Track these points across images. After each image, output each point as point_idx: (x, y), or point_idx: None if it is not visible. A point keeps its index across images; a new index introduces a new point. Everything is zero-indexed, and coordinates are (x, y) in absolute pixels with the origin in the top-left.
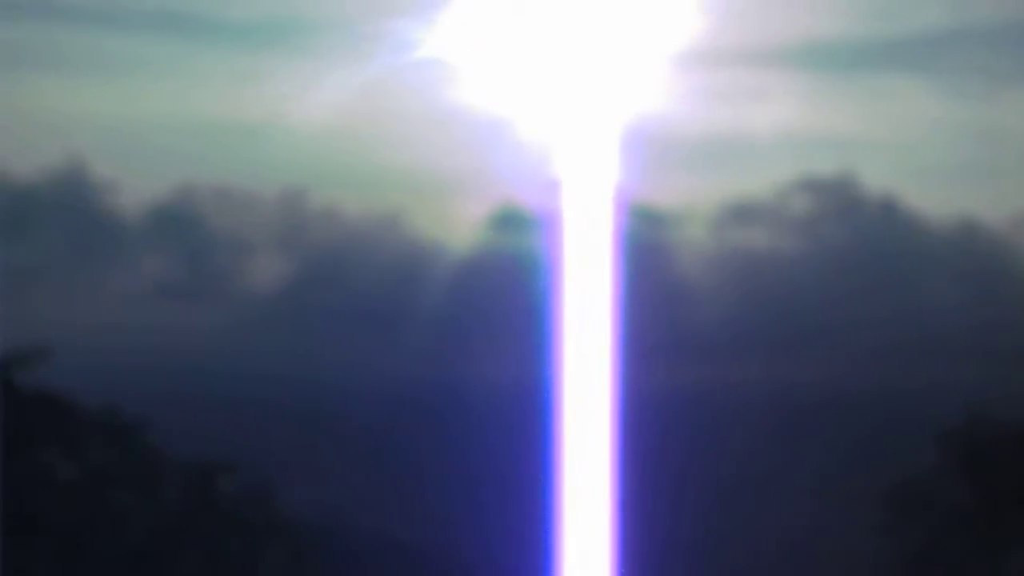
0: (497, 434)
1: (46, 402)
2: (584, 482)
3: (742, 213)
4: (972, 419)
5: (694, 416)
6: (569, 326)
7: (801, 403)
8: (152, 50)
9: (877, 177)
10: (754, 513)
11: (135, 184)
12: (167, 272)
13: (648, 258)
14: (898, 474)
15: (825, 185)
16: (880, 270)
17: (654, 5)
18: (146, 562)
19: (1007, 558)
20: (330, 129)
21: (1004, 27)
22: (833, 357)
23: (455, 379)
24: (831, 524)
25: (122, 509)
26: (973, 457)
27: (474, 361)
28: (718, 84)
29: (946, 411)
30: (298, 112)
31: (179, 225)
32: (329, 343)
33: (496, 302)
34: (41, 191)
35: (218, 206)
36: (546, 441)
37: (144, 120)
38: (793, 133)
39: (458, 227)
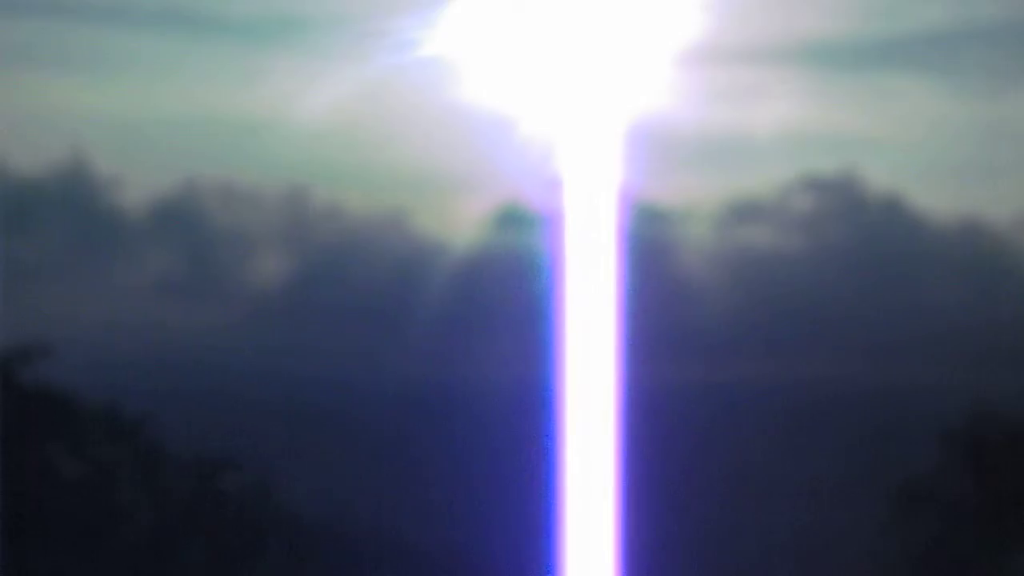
0: (500, 432)
1: (48, 398)
2: (587, 479)
3: (745, 211)
4: (977, 417)
5: (697, 414)
6: (572, 324)
7: (804, 401)
8: (156, 47)
9: (881, 176)
10: (757, 511)
11: (138, 181)
12: (170, 269)
13: (651, 256)
14: (902, 472)
15: (828, 183)
16: (883, 268)
17: (657, 3)
18: (148, 558)
19: (1012, 556)
20: (333, 127)
21: (1009, 25)
22: (836, 355)
23: (458, 377)
24: (834, 522)
25: (124, 505)
26: (978, 456)
27: (477, 358)
28: (721, 82)
29: (951, 409)
30: (302, 110)
31: (182, 222)
32: (332, 340)
33: (499, 300)
34: (44, 187)
35: (221, 203)
36: (549, 439)
37: (147, 117)
38: (796, 131)
39: (461, 225)
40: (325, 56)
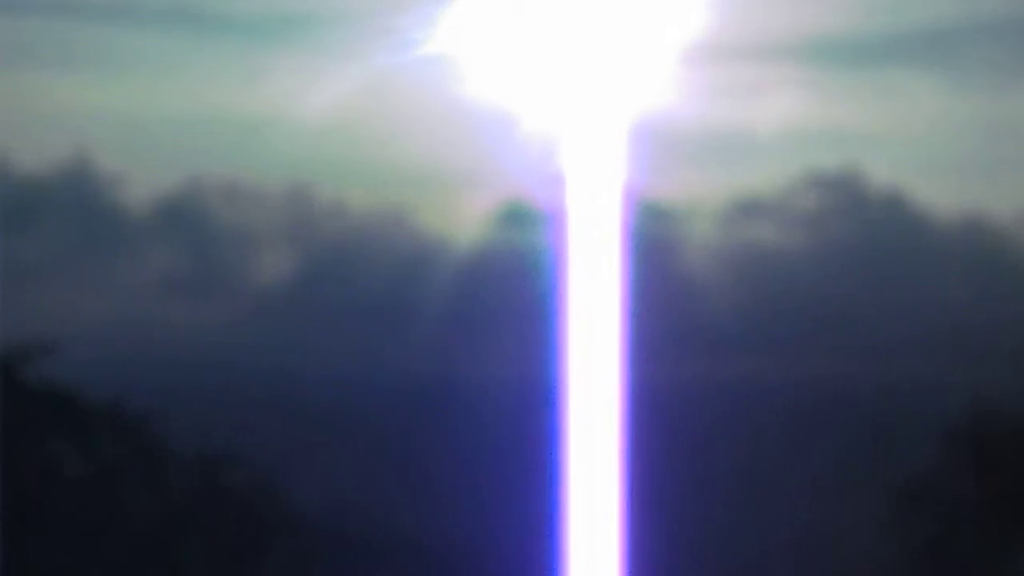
0: (504, 429)
1: (51, 395)
2: (591, 476)
3: (748, 208)
4: (980, 415)
5: (700, 411)
6: (576, 321)
7: (806, 398)
8: (159, 45)
9: (884, 172)
10: (759, 508)
11: (142, 179)
12: (173, 266)
13: (654, 253)
14: (904, 470)
15: (831, 180)
16: (886, 265)
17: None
18: (152, 555)
19: (1014, 556)
20: (337, 124)
21: (1011, 21)
22: (838, 352)
23: (462, 374)
24: (836, 520)
25: (127, 503)
26: (981, 454)
27: (481, 355)
28: (724, 79)
29: (953, 407)
30: (305, 107)
31: (185, 219)
32: (335, 337)
33: (503, 297)
34: (48, 185)
35: (225, 201)
36: (553, 435)
37: (151, 115)
38: (799, 128)
39: (465, 222)
40: (328, 54)
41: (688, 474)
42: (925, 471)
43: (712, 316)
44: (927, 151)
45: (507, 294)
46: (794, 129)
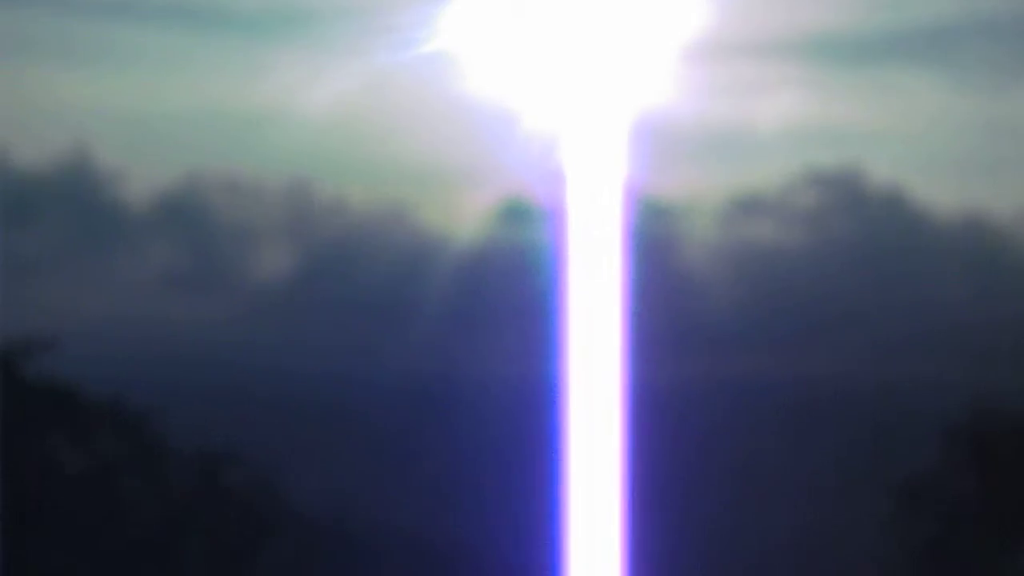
0: (504, 427)
1: (51, 391)
2: (592, 473)
3: (748, 206)
4: (979, 413)
5: (700, 408)
6: (576, 318)
7: (807, 397)
8: (160, 41)
9: (883, 170)
10: (760, 506)
11: (143, 174)
12: (173, 262)
13: (654, 251)
14: (905, 468)
15: (831, 178)
16: (886, 263)
17: None
18: (151, 553)
19: (1014, 554)
20: (337, 120)
21: (1011, 20)
22: (839, 351)
23: (462, 371)
24: (837, 518)
25: (128, 499)
26: (981, 452)
27: (481, 353)
28: (725, 77)
29: (953, 405)
30: (306, 103)
31: (186, 215)
32: (335, 334)
33: (503, 294)
34: (49, 180)
35: (225, 197)
36: (553, 433)
37: (152, 110)
38: (799, 126)
39: (465, 219)
40: (330, 50)
41: (688, 471)
42: (925, 469)
43: (712, 314)
44: (927, 149)
45: (507, 291)
46: (794, 127)
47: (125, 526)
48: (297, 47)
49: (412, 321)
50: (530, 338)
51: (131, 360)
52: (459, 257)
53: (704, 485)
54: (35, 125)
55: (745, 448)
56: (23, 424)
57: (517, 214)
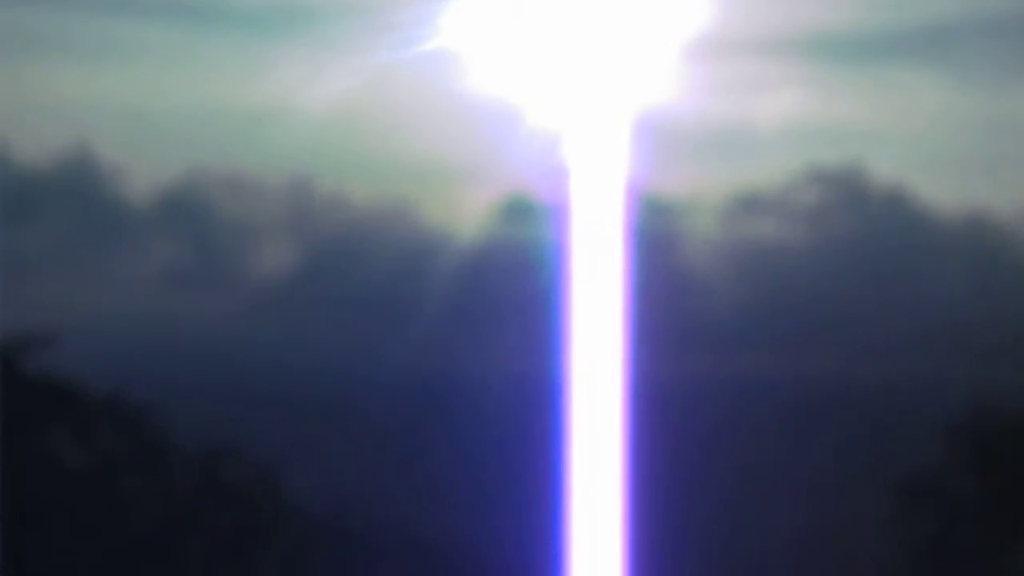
0: (505, 424)
1: (52, 387)
2: (593, 470)
3: (750, 204)
4: (980, 412)
5: (701, 406)
6: (578, 315)
7: (807, 395)
8: (161, 36)
9: (885, 168)
10: (760, 504)
11: (143, 170)
12: (173, 258)
13: (655, 248)
14: (906, 467)
15: (833, 176)
16: (888, 261)
17: None
18: (152, 548)
19: (1015, 553)
20: (339, 117)
21: (1014, 18)
22: (840, 348)
23: (463, 368)
24: (837, 516)
25: (128, 495)
26: (982, 451)
27: (483, 350)
28: (726, 75)
29: (955, 404)
30: (307, 100)
31: (186, 212)
32: (337, 331)
33: (505, 292)
34: (49, 176)
35: (226, 193)
36: (555, 431)
37: (152, 106)
38: (801, 124)
39: (467, 216)
40: (331, 47)
41: (689, 469)
42: (926, 468)
43: (713, 311)
44: (928, 147)
45: (509, 288)
46: (795, 125)
47: (125, 522)
48: (299, 44)
49: (413, 317)
50: (532, 335)
51: (132, 356)
52: (461, 254)
53: (705, 482)
54: (35, 121)
55: (746, 445)
56: (23, 420)
57: (519, 211)
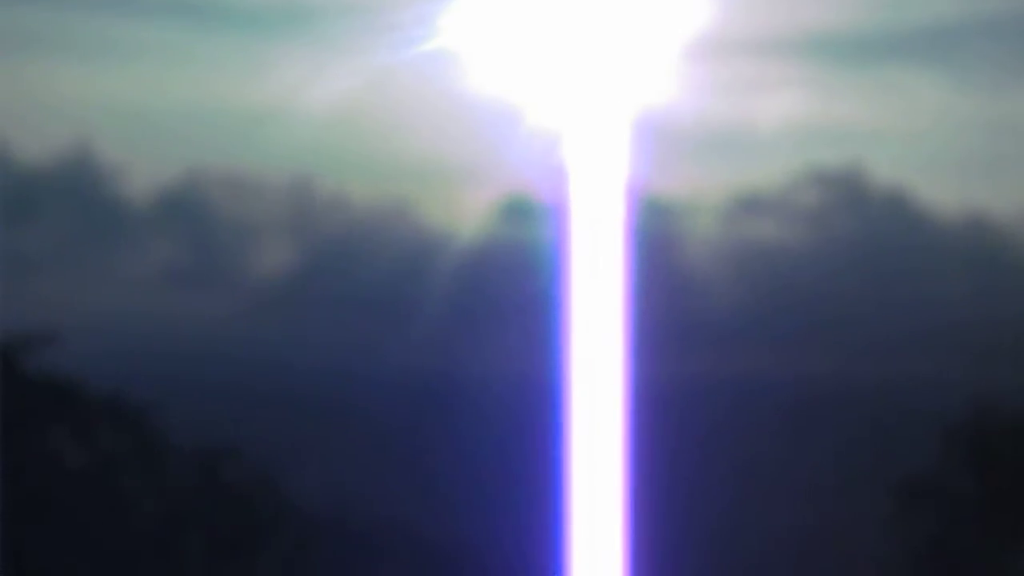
0: (505, 424)
1: (51, 386)
2: (593, 470)
3: (750, 204)
4: (980, 412)
5: (701, 407)
6: (578, 316)
7: (807, 395)
8: (162, 36)
9: (885, 169)
10: (759, 504)
11: (144, 170)
12: (174, 257)
13: (655, 248)
14: (905, 467)
15: (833, 177)
16: (888, 262)
17: None
18: (151, 547)
19: (1015, 554)
20: (339, 117)
21: (1013, 19)
22: (840, 349)
23: (463, 369)
24: (837, 516)
25: (128, 494)
26: (981, 451)
27: (482, 350)
28: (726, 75)
29: (955, 404)
30: (308, 99)
31: (187, 211)
32: (337, 331)
33: (505, 292)
34: (49, 175)
35: (226, 192)
36: (555, 431)
37: (153, 105)
38: (801, 124)
39: (467, 215)
40: (331, 47)
41: (689, 470)
42: (926, 468)
43: (713, 312)
44: (929, 148)
45: (509, 288)
46: (796, 125)
47: (125, 521)
48: (299, 44)
49: (413, 317)
50: (531, 335)
51: (132, 355)
52: (461, 254)
53: (705, 482)
54: (36, 120)
55: (746, 445)
56: (23, 419)
57: (519, 211)
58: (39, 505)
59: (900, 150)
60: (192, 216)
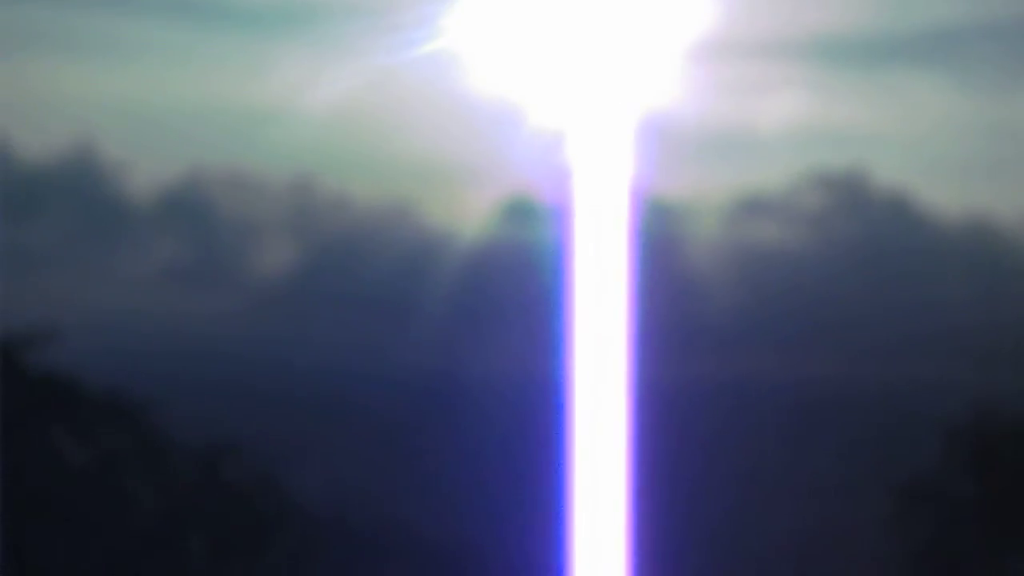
0: (507, 425)
1: (53, 384)
2: (597, 472)
3: (753, 207)
4: (982, 416)
5: (703, 409)
6: (580, 317)
7: (809, 397)
8: (165, 35)
9: (888, 172)
10: (761, 507)
11: (145, 168)
12: (176, 256)
13: (658, 251)
14: (907, 470)
15: (835, 179)
16: (890, 265)
17: None
18: (152, 545)
19: (1016, 556)
20: (341, 116)
21: (1015, 22)
22: (842, 352)
23: (465, 369)
24: (839, 519)
25: (129, 492)
26: (983, 454)
27: (485, 351)
28: (729, 77)
29: (956, 407)
30: (310, 99)
31: (188, 210)
32: (338, 330)
33: (507, 292)
34: (51, 174)
35: (228, 191)
36: (558, 432)
37: (156, 104)
38: (804, 127)
39: (469, 216)
40: (334, 47)
41: (692, 471)
42: (927, 471)
43: (716, 314)
44: (931, 151)
45: (512, 289)
46: (799, 128)
47: (126, 519)
48: (301, 43)
49: (416, 318)
50: (534, 336)
51: (133, 353)
52: (463, 254)
53: (707, 484)
54: (39, 118)
55: (749, 448)
56: (24, 416)
57: (521, 212)
58: (40, 503)
59: (902, 153)
60: (194, 215)
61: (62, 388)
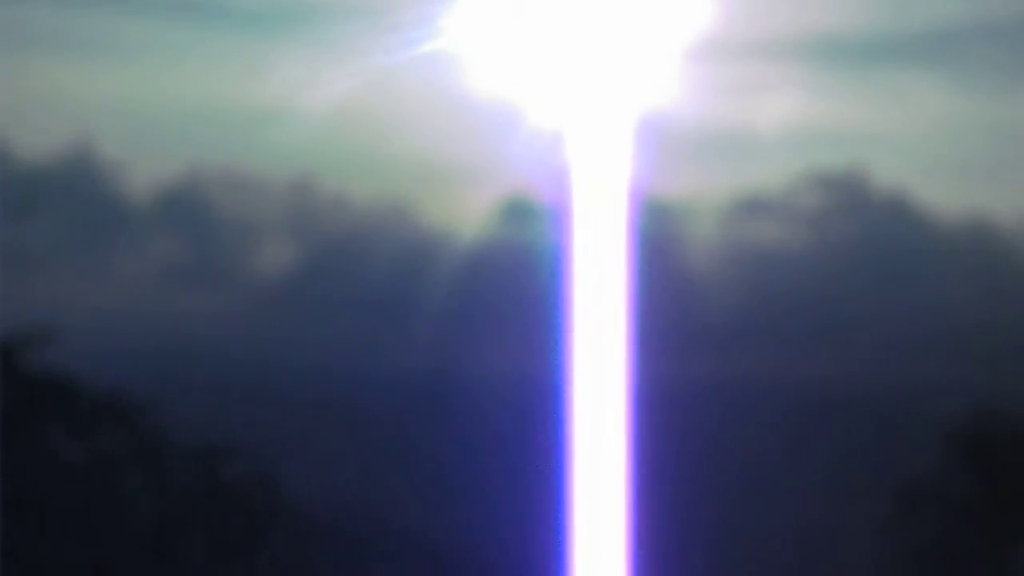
0: (506, 425)
1: (51, 384)
2: (595, 473)
3: (752, 207)
4: (982, 416)
5: (702, 409)
6: (579, 317)
7: (809, 398)
8: (164, 34)
9: (887, 172)
10: (761, 507)
11: (145, 168)
12: (175, 256)
13: (656, 251)
14: (907, 470)
15: (835, 179)
16: (889, 265)
17: None
18: (150, 546)
19: (1016, 556)
20: (340, 117)
21: (1016, 22)
22: (841, 352)
23: (464, 369)
24: (839, 519)
25: (127, 492)
26: (983, 455)
27: (483, 351)
28: (729, 77)
29: (956, 407)
30: (309, 99)
31: (187, 210)
32: (337, 330)
33: (505, 292)
34: (50, 173)
35: (227, 191)
36: (556, 433)
37: (154, 104)
38: (803, 127)
39: (468, 216)
40: (333, 47)
41: (691, 472)
42: (927, 471)
43: (715, 314)
44: (931, 151)
45: (510, 289)
46: (798, 128)
47: (124, 519)
48: (300, 43)
49: (414, 318)
50: (532, 336)
51: (132, 353)
52: (461, 254)
53: (707, 484)
54: (37, 117)
55: (748, 448)
56: (22, 416)
57: (520, 212)
58: (38, 503)
59: (901, 153)
60: (192, 215)
61: (60, 388)
